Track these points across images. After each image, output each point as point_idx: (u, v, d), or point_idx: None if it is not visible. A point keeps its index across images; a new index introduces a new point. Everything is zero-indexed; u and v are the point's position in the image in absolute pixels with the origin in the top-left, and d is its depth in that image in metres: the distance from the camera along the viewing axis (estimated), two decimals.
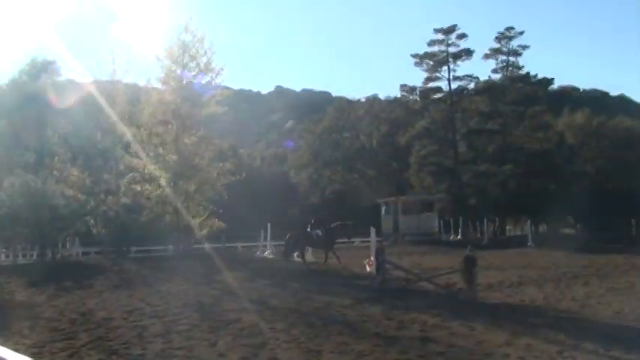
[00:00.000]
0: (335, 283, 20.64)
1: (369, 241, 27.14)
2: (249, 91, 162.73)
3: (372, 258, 20.68)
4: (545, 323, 12.91)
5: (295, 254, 30.07)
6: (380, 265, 19.19)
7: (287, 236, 27.49)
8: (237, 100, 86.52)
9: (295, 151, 75.24)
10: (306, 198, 70.63)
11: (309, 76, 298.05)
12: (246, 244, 39.98)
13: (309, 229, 27.77)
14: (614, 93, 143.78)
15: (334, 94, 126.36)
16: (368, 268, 22.95)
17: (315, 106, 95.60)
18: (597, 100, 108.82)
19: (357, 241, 43.08)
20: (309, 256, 28.16)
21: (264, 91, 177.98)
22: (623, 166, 61.21)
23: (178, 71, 33.68)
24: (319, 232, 27.60)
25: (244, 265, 26.75)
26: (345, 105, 76.02)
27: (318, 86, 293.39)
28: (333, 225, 27.97)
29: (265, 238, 34.03)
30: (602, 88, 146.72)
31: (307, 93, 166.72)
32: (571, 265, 25.18)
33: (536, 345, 10.76)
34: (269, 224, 33.39)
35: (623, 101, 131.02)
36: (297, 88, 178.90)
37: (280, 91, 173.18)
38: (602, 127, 65.07)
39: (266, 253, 33.02)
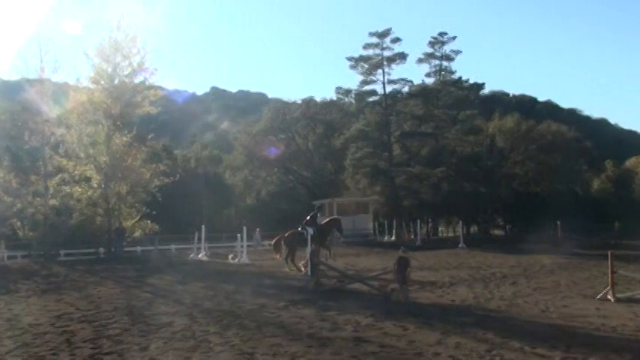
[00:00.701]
0: (269, 285, 20.63)
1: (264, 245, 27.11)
2: (185, 91, 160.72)
3: (307, 259, 20.72)
4: (475, 322, 13.19)
5: (230, 256, 29.90)
6: (314, 267, 19.25)
7: (286, 235, 26.69)
8: (171, 101, 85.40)
9: (229, 153, 74.85)
10: (242, 199, 70.32)
11: (245, 78, 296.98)
12: (180, 246, 39.41)
13: (300, 229, 27.07)
14: (541, 99, 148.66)
15: (270, 95, 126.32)
16: (303, 270, 23.01)
17: (250, 108, 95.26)
18: (526, 105, 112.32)
19: (253, 244, 43.05)
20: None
21: (200, 92, 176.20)
22: (550, 169, 63.33)
23: (109, 70, 33.03)
24: (312, 230, 26.84)
25: (177, 268, 26.43)
26: (281, 106, 76.06)
27: (254, 87, 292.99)
28: (323, 222, 27.75)
29: (199, 240, 33.62)
30: (531, 94, 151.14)
31: (243, 94, 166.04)
32: (500, 265, 25.87)
33: (466, 344, 10.99)
34: (203, 226, 33.01)
35: (550, 107, 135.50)
36: (233, 89, 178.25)
37: (216, 92, 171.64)
38: (530, 132, 67.12)
39: (200, 255, 32.67)
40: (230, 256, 31.10)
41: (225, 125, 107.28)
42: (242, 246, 30.54)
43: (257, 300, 16.41)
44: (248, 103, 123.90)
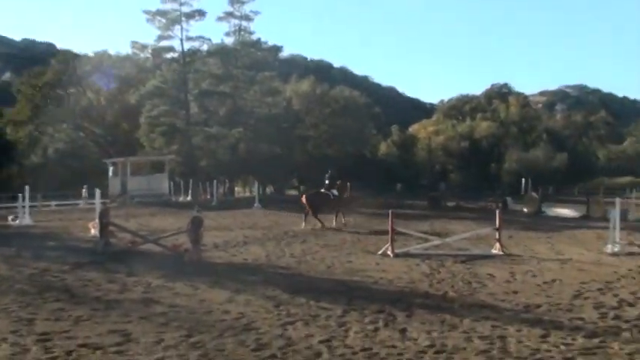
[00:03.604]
0: (54, 247, 19.51)
1: (93, 203, 25.94)
2: None
3: (97, 220, 19.87)
4: (266, 280, 13.56)
5: (10, 217, 27.85)
6: (104, 228, 18.54)
7: (307, 195, 26.14)
8: None
9: (12, 106, 69.03)
10: (26, 157, 65.47)
11: (29, 25, 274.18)
12: None
13: (322, 190, 26.53)
14: (337, 65, 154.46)
15: (59, 46, 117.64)
16: (92, 231, 22.05)
17: (37, 58, 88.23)
18: (322, 70, 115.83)
19: (81, 202, 41.22)
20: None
21: None
22: (342, 133, 66.28)
23: None
24: (335, 191, 26.45)
25: None
26: (72, 59, 71.24)
27: (40, 37, 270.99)
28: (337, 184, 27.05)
29: None
30: (328, 59, 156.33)
31: (28, 43, 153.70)
32: (293, 224, 26.68)
33: (255, 300, 11.28)
34: None
35: (344, 73, 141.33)
36: (17, 37, 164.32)
37: None
38: (325, 96, 69.54)
39: None
40: (10, 218, 28.98)
41: (7, 76, 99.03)
42: (24, 206, 28.57)
43: (39, 263, 15.46)
44: (34, 53, 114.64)
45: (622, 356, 8.01)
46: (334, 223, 25.88)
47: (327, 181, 27.29)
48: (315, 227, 24.97)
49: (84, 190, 41.66)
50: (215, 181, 48.22)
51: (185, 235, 17.71)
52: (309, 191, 27.15)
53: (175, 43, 62.70)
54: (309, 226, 25.16)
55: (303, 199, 26.39)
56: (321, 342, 8.57)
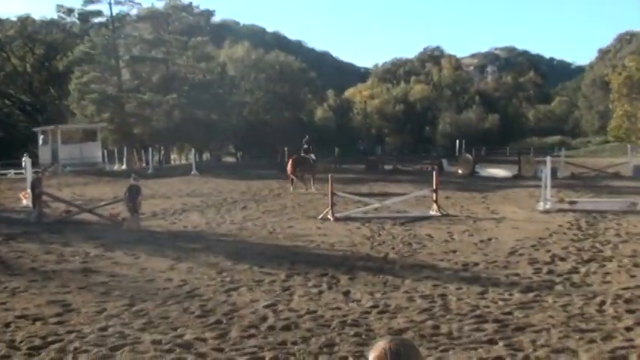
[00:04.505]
0: None
1: (23, 173, 25.13)
2: None
3: (28, 190, 19.30)
4: (207, 247, 13.49)
5: None
6: (36, 198, 18.02)
7: (293, 159, 26.13)
8: None
9: None
10: None
11: None
12: None
13: (302, 154, 26.38)
14: (270, 29, 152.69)
15: None
16: (24, 201, 21.42)
17: None
18: (256, 35, 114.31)
19: (11, 172, 39.88)
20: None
21: None
22: (278, 98, 65.90)
23: None
24: (313, 156, 26.39)
25: None
26: None
27: None
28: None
29: None
30: (261, 24, 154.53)
31: None
32: (232, 190, 26.56)
33: (197, 268, 11.22)
34: None
35: (278, 38, 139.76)
36: None
37: None
38: (260, 61, 68.79)
39: None
40: None
41: None
42: None
43: None
44: None
45: (556, 309, 8.33)
46: (312, 187, 25.82)
47: (305, 146, 27.73)
48: (301, 190, 25.24)
49: (24, 158, 39.97)
50: (150, 149, 47.32)
51: (122, 204, 17.41)
52: (293, 155, 27.27)
53: (103, 7, 60.70)
54: (299, 189, 25.50)
55: (290, 163, 26.53)
56: (266, 307, 8.61)
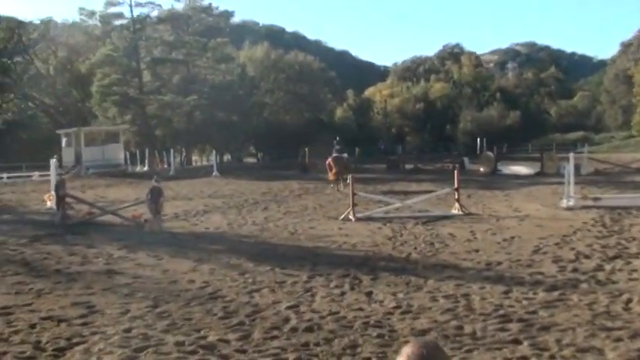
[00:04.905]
0: (9, 221, 19.12)
1: (48, 175, 25.39)
2: None
3: (52, 192, 19.49)
4: (229, 248, 13.53)
5: None
6: (60, 200, 18.20)
7: (332, 158, 26.51)
8: None
9: None
10: None
11: None
12: None
13: (336, 154, 26.82)
14: (289, 29, 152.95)
15: (1, 13, 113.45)
16: (48, 203, 21.65)
17: None
18: (275, 36, 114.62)
19: (35, 174, 40.29)
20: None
21: None
22: (298, 99, 65.94)
23: None
24: (346, 155, 27.03)
25: None
26: (16, 26, 68.84)
27: None
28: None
29: None
30: (280, 24, 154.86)
31: None
32: (253, 192, 26.62)
33: (219, 269, 11.25)
34: None
35: (297, 38, 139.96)
36: None
37: None
38: (279, 61, 68.87)
39: None
40: None
41: None
42: None
43: None
44: None
45: (582, 307, 8.24)
46: (342, 187, 25.69)
47: (337, 146, 27.96)
48: (340, 190, 25.45)
49: (52, 160, 40.11)
50: (172, 150, 47.59)
51: (144, 206, 17.51)
52: (333, 155, 27.47)
53: (124, 10, 61.11)
54: (337, 187, 25.95)
55: (331, 162, 26.75)
56: (288, 308, 8.60)
